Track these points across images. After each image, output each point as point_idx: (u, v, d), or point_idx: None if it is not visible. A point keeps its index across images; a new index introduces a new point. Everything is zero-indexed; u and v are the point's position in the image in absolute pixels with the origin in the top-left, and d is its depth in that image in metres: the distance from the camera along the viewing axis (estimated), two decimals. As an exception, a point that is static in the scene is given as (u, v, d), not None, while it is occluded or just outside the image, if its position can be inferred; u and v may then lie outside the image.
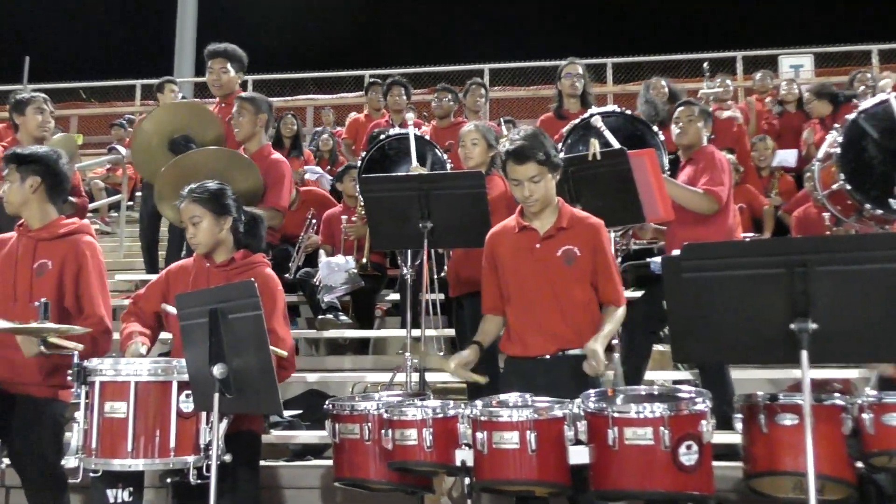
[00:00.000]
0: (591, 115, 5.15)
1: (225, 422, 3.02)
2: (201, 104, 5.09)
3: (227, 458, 3.03)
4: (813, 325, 2.47)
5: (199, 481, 3.03)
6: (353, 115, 9.54)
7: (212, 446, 2.92)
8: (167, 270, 3.70)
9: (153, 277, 3.85)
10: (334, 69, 14.94)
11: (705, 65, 8.95)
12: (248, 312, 2.74)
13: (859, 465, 3.00)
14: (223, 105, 5.42)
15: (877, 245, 2.51)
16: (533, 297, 3.28)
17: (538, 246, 3.31)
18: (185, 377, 3.05)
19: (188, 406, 3.06)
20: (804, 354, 2.49)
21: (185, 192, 3.55)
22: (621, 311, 3.33)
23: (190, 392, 3.04)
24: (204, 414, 3.05)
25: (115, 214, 10.06)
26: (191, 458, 3.05)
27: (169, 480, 3.22)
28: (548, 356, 3.23)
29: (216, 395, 2.83)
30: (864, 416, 2.89)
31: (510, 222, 3.44)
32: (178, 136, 4.88)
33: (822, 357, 2.56)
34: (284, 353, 3.27)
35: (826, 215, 5.09)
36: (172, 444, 3.03)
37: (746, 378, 4.85)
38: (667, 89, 7.25)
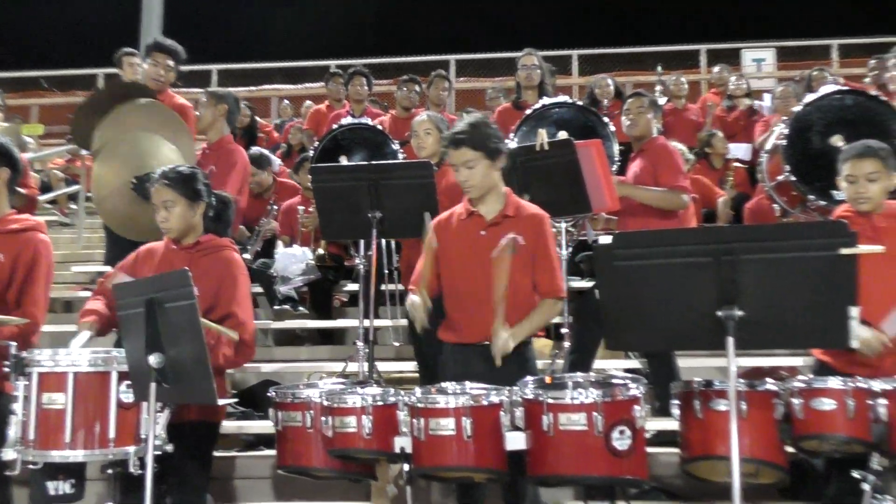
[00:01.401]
0: (544, 107, 5.21)
1: (167, 412, 3.02)
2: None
3: (169, 448, 3.02)
4: (739, 312, 2.52)
5: (140, 472, 3.02)
6: (308, 103, 9.49)
7: (149, 436, 2.90)
8: (137, 251, 3.69)
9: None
10: (299, 59, 14.87)
11: (659, 67, 9.15)
12: (182, 301, 2.74)
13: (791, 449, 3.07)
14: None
15: (800, 234, 2.57)
16: (476, 283, 3.29)
17: (483, 233, 3.33)
18: (126, 367, 3.03)
19: (129, 396, 3.04)
20: (730, 341, 2.53)
21: (157, 174, 3.54)
22: (552, 303, 3.34)
23: (130, 382, 3.03)
24: (146, 404, 3.04)
25: (74, 206, 9.94)
26: (132, 449, 3.04)
27: (110, 471, 3.20)
28: (487, 342, 3.25)
29: (153, 385, 2.82)
30: (795, 401, 2.95)
31: (458, 209, 3.47)
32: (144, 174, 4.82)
33: (749, 344, 2.60)
34: (234, 335, 3.24)
35: (776, 206, 5.18)
36: (112, 434, 3.00)
37: (698, 366, 4.93)
38: (612, 87, 7.46)
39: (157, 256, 3.58)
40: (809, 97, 4.93)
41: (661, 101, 8.06)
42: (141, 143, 4.67)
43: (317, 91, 13.43)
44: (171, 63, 5.35)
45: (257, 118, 8.71)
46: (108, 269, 6.54)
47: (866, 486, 2.86)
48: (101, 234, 7.10)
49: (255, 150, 6.91)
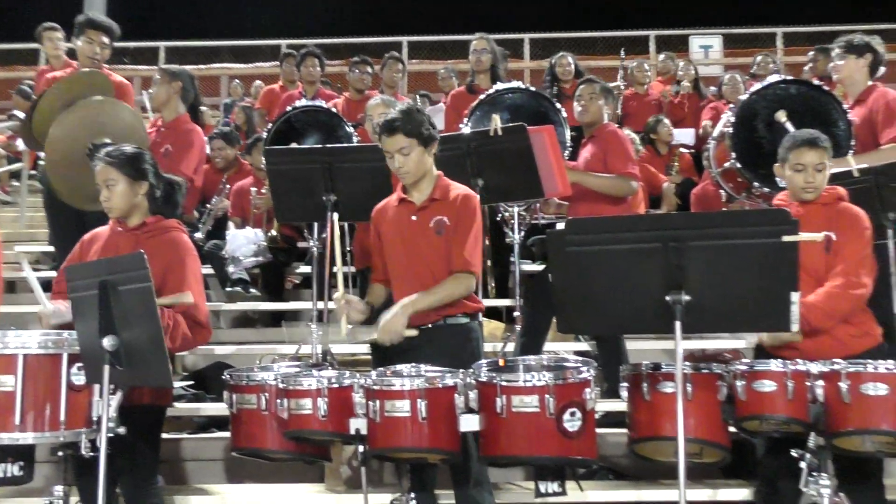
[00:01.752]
0: (497, 92, 5.26)
1: (119, 394, 3.01)
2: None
3: (122, 430, 3.00)
4: (686, 297, 2.61)
5: (91, 454, 3.01)
6: (258, 83, 9.38)
7: (102, 419, 2.89)
8: (81, 240, 3.64)
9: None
10: (250, 38, 14.67)
11: (622, 52, 9.26)
12: (137, 284, 2.73)
13: (733, 429, 3.18)
14: None
15: (745, 221, 2.66)
16: (409, 267, 3.35)
17: (414, 218, 3.37)
18: (77, 349, 3.01)
19: (80, 379, 3.03)
20: (678, 325, 2.62)
21: (101, 153, 3.48)
22: (464, 279, 3.27)
23: (81, 365, 3.01)
24: (97, 386, 3.03)
25: (17, 184, 9.71)
26: (83, 431, 3.03)
27: (61, 454, 3.18)
28: (429, 325, 3.28)
29: (106, 368, 2.81)
30: (738, 383, 3.05)
31: (393, 196, 3.51)
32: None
33: (696, 328, 2.70)
34: (188, 298, 3.24)
35: (722, 192, 5.31)
36: (63, 417, 2.99)
37: (645, 349, 5.04)
38: (573, 66, 7.48)
39: (101, 240, 3.54)
40: (755, 86, 5.05)
41: (622, 85, 8.20)
42: (102, 109, 4.58)
43: (268, 71, 13.31)
44: (105, 40, 5.24)
45: (204, 98, 8.57)
46: (51, 249, 6.47)
47: (803, 465, 2.98)
48: (45, 214, 6.97)
49: (225, 127, 6.84)
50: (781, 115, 4.64)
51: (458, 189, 3.42)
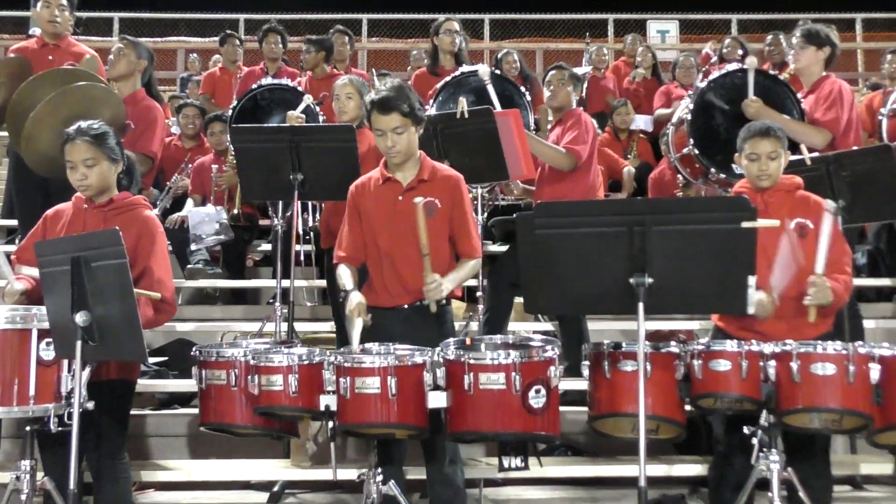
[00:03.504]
0: (462, 74, 5.30)
1: (88, 369, 3.02)
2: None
3: (90, 405, 3.02)
4: (649, 280, 2.71)
5: (59, 429, 3.03)
6: (216, 57, 9.21)
7: (74, 394, 2.91)
8: (44, 216, 3.58)
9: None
10: (207, 11, 14.45)
11: (587, 36, 9.36)
12: (111, 260, 2.74)
13: (689, 407, 3.30)
14: (52, 46, 5.24)
15: (706, 207, 2.77)
16: (395, 247, 3.37)
17: (401, 198, 3.38)
18: (46, 325, 3.02)
19: (49, 354, 3.04)
20: (641, 306, 2.72)
21: (75, 131, 3.40)
22: (473, 264, 3.44)
23: (51, 340, 3.02)
24: (66, 361, 3.04)
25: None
26: (51, 406, 3.04)
27: (28, 429, 3.18)
28: (405, 305, 3.34)
29: (79, 343, 2.82)
30: (695, 362, 3.17)
31: (374, 174, 3.50)
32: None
33: (657, 309, 2.80)
34: (157, 295, 3.23)
35: (679, 177, 5.44)
36: (32, 392, 3.01)
37: (604, 329, 5.17)
38: (518, 63, 7.62)
39: (65, 216, 3.50)
40: (713, 74, 5.17)
41: (587, 69, 8.31)
42: (94, 97, 4.49)
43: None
44: (64, 3, 5.16)
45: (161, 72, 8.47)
46: (6, 222, 6.36)
47: (755, 441, 3.11)
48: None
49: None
50: (722, 104, 4.81)
51: (446, 170, 3.47)
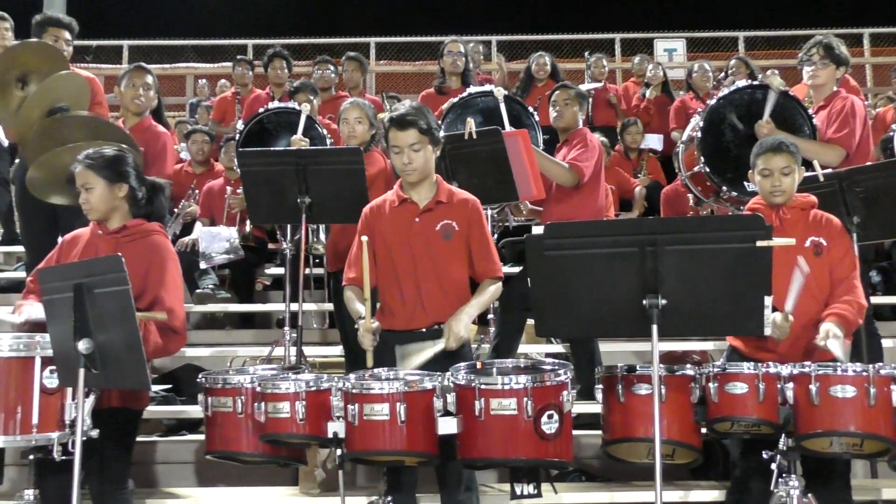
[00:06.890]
0: (469, 95, 5.27)
1: (92, 397, 2.98)
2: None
3: (94, 433, 2.98)
4: (662, 301, 2.65)
5: (63, 457, 2.98)
6: (223, 82, 9.21)
7: (77, 422, 2.86)
8: (61, 241, 3.61)
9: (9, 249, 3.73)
10: (215, 37, 14.52)
11: (586, 54, 9.40)
12: (113, 287, 2.70)
13: (705, 431, 3.23)
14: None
15: (719, 226, 2.71)
16: (411, 270, 3.32)
17: (417, 220, 3.35)
18: (50, 352, 2.98)
19: (52, 382, 2.99)
20: (654, 329, 2.66)
21: (81, 157, 3.46)
22: (495, 287, 3.38)
23: (54, 368, 2.98)
24: (70, 389, 3.00)
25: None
26: (55, 435, 2.99)
27: (32, 458, 3.13)
28: (423, 329, 3.29)
29: (81, 371, 2.78)
30: (710, 385, 3.10)
31: (389, 196, 3.46)
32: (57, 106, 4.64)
33: (671, 331, 2.73)
34: (163, 316, 3.20)
35: (690, 195, 5.39)
36: (35, 420, 2.96)
37: (616, 351, 5.10)
38: (549, 65, 7.65)
39: (81, 243, 3.51)
40: (723, 91, 5.13)
41: (592, 86, 8.34)
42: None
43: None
44: (68, 37, 5.18)
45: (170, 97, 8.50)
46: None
47: (774, 466, 3.03)
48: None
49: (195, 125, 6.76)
50: (735, 120, 4.75)
51: (462, 193, 3.44)
